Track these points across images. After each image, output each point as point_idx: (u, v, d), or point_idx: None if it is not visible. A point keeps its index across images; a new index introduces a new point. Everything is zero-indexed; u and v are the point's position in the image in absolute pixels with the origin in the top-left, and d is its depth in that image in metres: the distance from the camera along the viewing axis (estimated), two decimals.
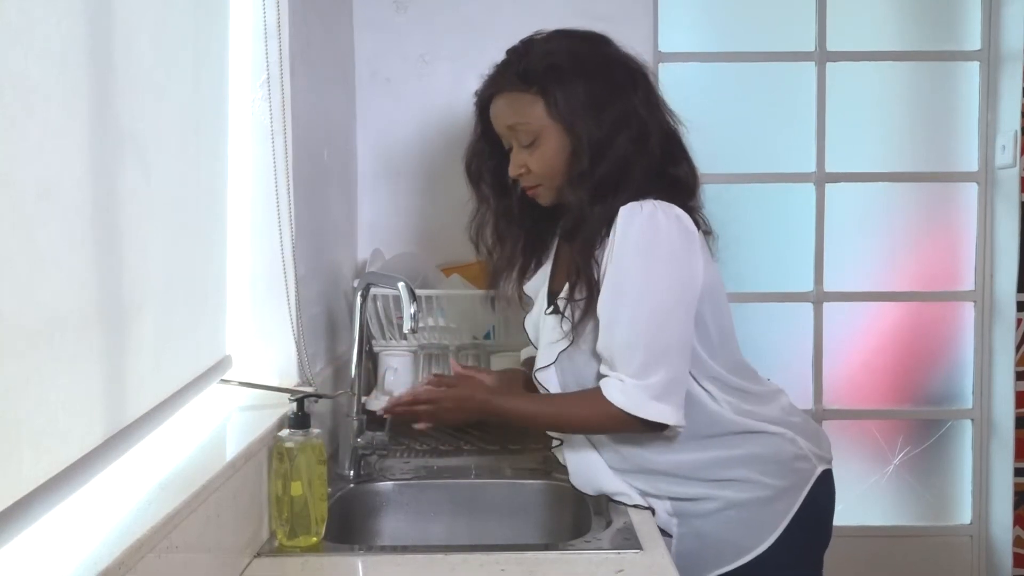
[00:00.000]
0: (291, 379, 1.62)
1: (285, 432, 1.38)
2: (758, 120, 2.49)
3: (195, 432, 1.32)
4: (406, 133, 2.34)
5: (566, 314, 1.49)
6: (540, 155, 1.48)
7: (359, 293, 1.74)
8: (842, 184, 2.48)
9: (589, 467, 1.54)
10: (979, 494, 2.52)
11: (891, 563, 2.51)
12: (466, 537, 1.70)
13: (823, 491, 1.54)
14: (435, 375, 1.65)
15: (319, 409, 1.60)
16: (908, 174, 2.49)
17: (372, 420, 1.79)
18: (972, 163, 2.48)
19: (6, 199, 0.78)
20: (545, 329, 1.56)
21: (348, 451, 1.72)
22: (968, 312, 2.52)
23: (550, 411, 1.53)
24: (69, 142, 0.91)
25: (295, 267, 1.58)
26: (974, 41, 2.46)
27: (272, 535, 1.38)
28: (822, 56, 2.45)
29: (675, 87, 2.40)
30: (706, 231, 1.51)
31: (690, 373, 1.46)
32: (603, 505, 1.53)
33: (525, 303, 1.69)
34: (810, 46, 2.45)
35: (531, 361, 1.74)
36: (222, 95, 1.49)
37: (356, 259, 2.30)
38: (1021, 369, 2.40)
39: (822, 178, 2.47)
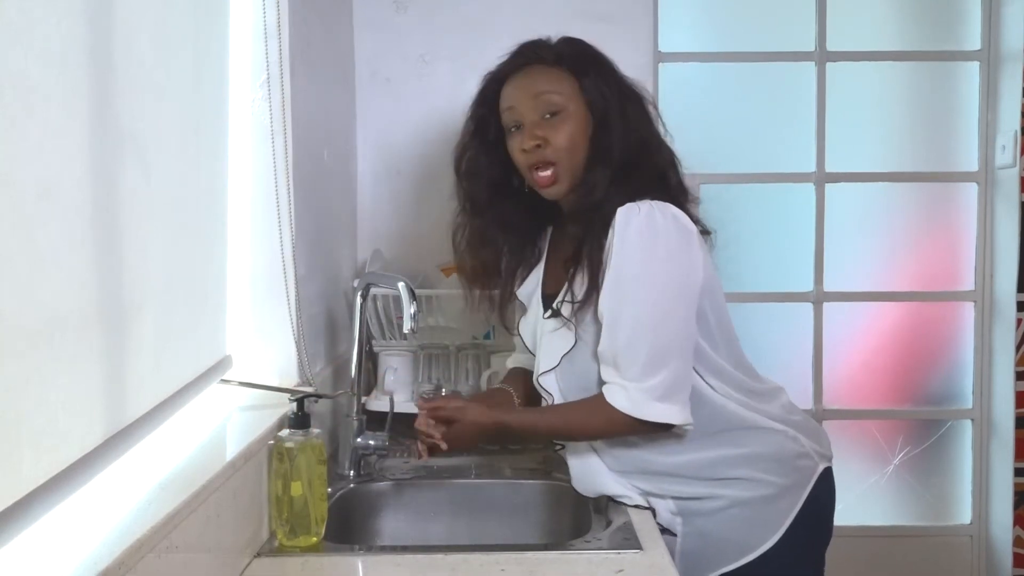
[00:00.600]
0: (291, 379, 1.62)
1: (285, 432, 1.38)
2: (758, 120, 2.49)
3: (195, 432, 1.32)
4: (406, 133, 2.34)
5: (565, 314, 1.48)
6: (564, 129, 1.47)
7: (359, 293, 1.74)
8: (842, 184, 2.48)
9: (590, 471, 1.53)
10: (979, 494, 2.52)
11: (891, 563, 2.51)
12: (466, 537, 1.70)
13: (825, 489, 1.54)
14: (429, 400, 1.59)
15: (319, 409, 1.60)
16: (908, 174, 2.49)
17: (372, 420, 1.79)
18: (972, 163, 2.48)
19: (6, 199, 0.78)
20: (545, 333, 1.55)
21: (348, 451, 1.73)
22: (968, 312, 2.52)
23: (557, 421, 1.52)
24: (69, 142, 0.91)
25: (295, 267, 1.58)
26: (974, 41, 2.46)
27: (272, 535, 1.38)
28: (822, 56, 2.45)
29: (675, 87, 2.43)
30: (703, 230, 1.51)
31: (695, 370, 1.46)
32: (603, 505, 1.53)
33: (511, 326, 1.70)
34: (810, 46, 2.45)
35: (518, 371, 1.74)
36: (222, 95, 1.49)
37: (356, 259, 2.30)
38: (1021, 369, 2.40)
39: (822, 178, 2.47)
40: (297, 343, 1.61)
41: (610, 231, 1.42)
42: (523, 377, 1.72)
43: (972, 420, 2.52)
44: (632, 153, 1.47)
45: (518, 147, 1.50)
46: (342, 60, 2.20)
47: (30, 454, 0.83)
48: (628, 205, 1.42)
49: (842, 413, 2.52)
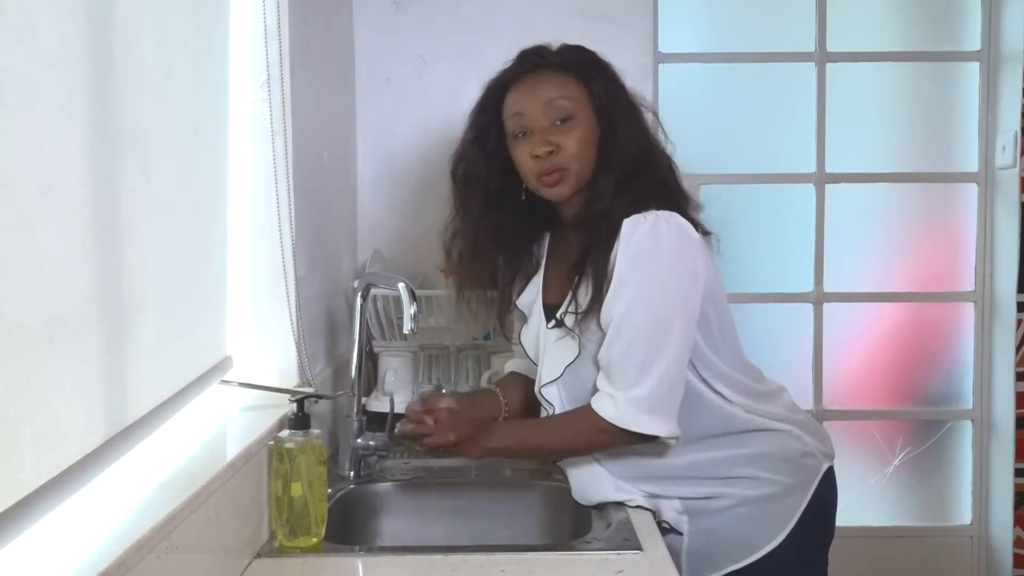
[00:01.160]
0: (291, 380, 1.62)
1: (285, 433, 1.38)
2: (758, 121, 2.49)
3: (195, 433, 1.32)
4: (406, 133, 2.34)
5: (569, 325, 1.48)
6: (575, 135, 1.46)
7: (359, 293, 1.74)
8: (842, 185, 2.48)
9: (594, 479, 1.52)
10: (979, 495, 2.52)
11: (891, 564, 2.51)
12: (466, 538, 1.70)
13: (828, 487, 1.55)
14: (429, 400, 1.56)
15: (319, 410, 1.60)
16: (908, 175, 2.49)
17: (372, 421, 1.79)
18: (972, 164, 2.48)
19: (6, 199, 0.78)
20: (549, 344, 1.54)
21: (348, 452, 1.72)
22: (968, 312, 2.52)
23: (546, 435, 1.52)
24: (69, 142, 0.91)
25: (295, 267, 1.58)
26: (974, 41, 2.46)
27: (272, 536, 1.38)
28: (822, 57, 2.45)
29: (675, 88, 2.43)
30: (704, 231, 1.51)
31: (700, 376, 1.47)
32: (603, 505, 1.53)
33: (508, 331, 1.69)
34: (810, 47, 2.45)
35: (515, 376, 1.74)
36: (222, 95, 1.49)
37: (356, 259, 2.30)
38: (1021, 370, 2.40)
39: (822, 179, 2.47)
40: (297, 344, 1.61)
41: (616, 242, 1.42)
42: (520, 382, 1.71)
43: (972, 421, 2.52)
44: (636, 160, 1.47)
45: (527, 153, 1.48)
46: (342, 60, 2.20)
47: (30, 454, 0.83)
48: (635, 216, 1.42)
49: (842, 414, 2.52)
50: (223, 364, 1.49)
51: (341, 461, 1.74)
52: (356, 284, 1.77)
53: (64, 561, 0.82)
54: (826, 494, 1.54)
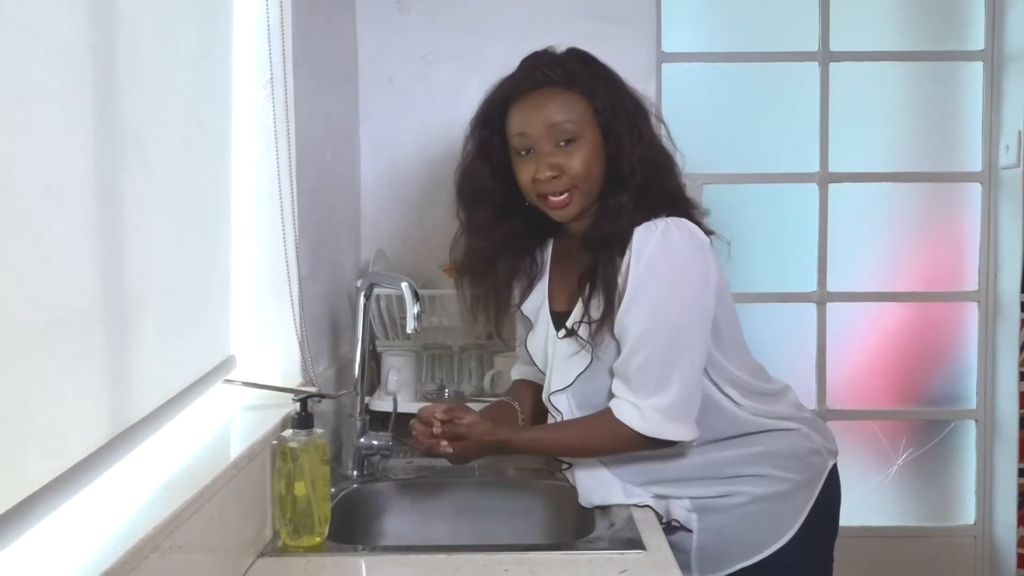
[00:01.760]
0: (294, 379, 1.62)
1: (289, 432, 1.38)
2: (761, 120, 2.49)
3: (199, 432, 1.32)
4: (409, 133, 2.34)
5: (582, 334, 1.47)
6: (580, 156, 1.44)
7: (362, 293, 1.74)
8: (845, 184, 2.48)
9: (601, 484, 1.52)
10: (983, 494, 2.51)
11: (895, 564, 2.51)
12: (469, 537, 1.70)
13: (833, 484, 1.57)
14: (448, 408, 1.52)
15: (322, 409, 1.60)
16: (912, 174, 2.49)
17: (375, 420, 1.79)
18: (976, 163, 2.48)
19: (9, 198, 0.78)
20: (559, 352, 1.53)
21: (351, 451, 1.72)
22: (972, 312, 2.51)
23: (562, 438, 1.51)
24: (72, 141, 0.91)
25: (298, 267, 1.58)
26: (978, 41, 2.45)
27: (275, 535, 1.38)
28: (825, 56, 2.45)
29: (678, 87, 2.43)
30: (710, 231, 1.51)
31: (711, 379, 1.47)
32: (606, 505, 1.52)
33: (508, 338, 1.69)
34: (813, 46, 2.45)
35: (524, 384, 1.73)
36: (225, 94, 1.49)
37: (359, 259, 2.30)
38: None
39: (825, 178, 2.47)
40: (300, 343, 1.61)
41: (627, 251, 1.42)
42: (529, 391, 1.71)
43: (976, 420, 2.52)
44: (647, 171, 1.46)
45: (529, 174, 1.47)
46: (345, 60, 2.20)
47: (34, 454, 0.83)
48: (645, 224, 1.42)
49: (846, 413, 2.52)
50: (226, 363, 1.49)
51: (344, 460, 1.74)
52: (359, 283, 1.77)
53: (68, 560, 0.82)
54: (832, 491, 1.56)
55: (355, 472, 1.72)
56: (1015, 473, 2.41)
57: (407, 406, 1.94)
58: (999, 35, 2.43)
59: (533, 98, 1.46)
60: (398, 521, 1.72)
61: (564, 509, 1.68)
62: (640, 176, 1.45)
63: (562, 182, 1.45)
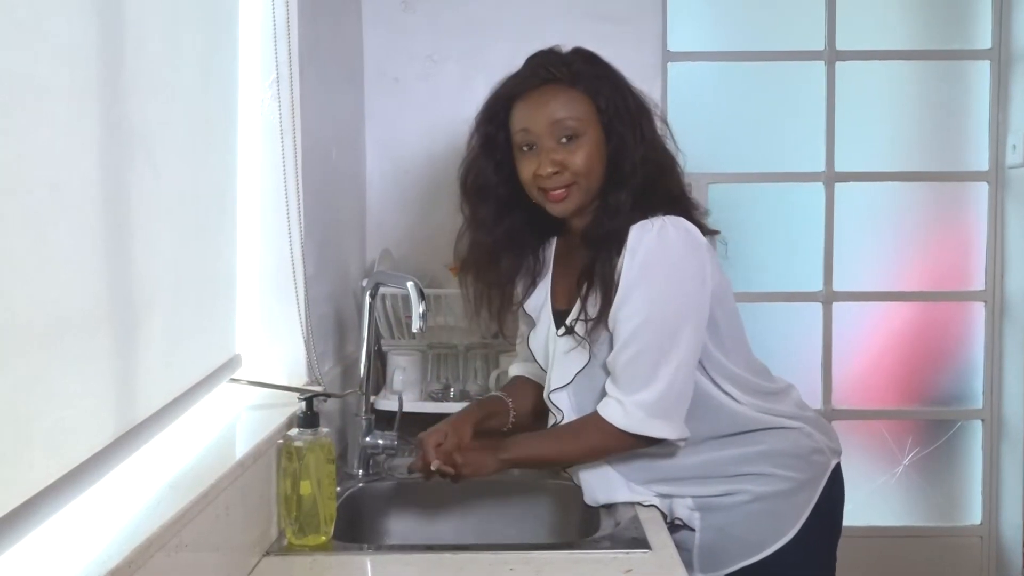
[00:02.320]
0: (300, 378, 1.62)
1: (294, 431, 1.38)
2: (767, 119, 2.49)
3: (204, 431, 1.32)
4: (414, 133, 2.34)
5: (580, 333, 1.48)
6: (582, 153, 1.45)
7: (368, 292, 1.74)
8: (851, 183, 2.47)
9: (605, 482, 1.52)
10: (989, 495, 2.51)
11: (901, 564, 2.50)
12: (474, 536, 1.70)
13: (836, 484, 1.57)
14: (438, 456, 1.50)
15: (328, 408, 1.60)
16: (918, 173, 2.49)
17: (381, 419, 1.80)
18: (982, 162, 2.47)
19: (16, 198, 0.78)
20: (558, 350, 1.54)
21: (357, 450, 1.73)
22: (978, 312, 2.51)
23: (556, 445, 1.51)
24: (79, 141, 0.91)
25: (304, 266, 1.59)
26: (985, 40, 2.45)
27: (281, 534, 1.38)
28: (831, 55, 2.44)
29: (684, 87, 2.42)
30: (711, 231, 1.51)
31: (709, 377, 1.48)
32: (611, 504, 1.52)
33: (510, 335, 1.69)
34: (819, 45, 2.45)
35: (522, 381, 1.73)
36: (231, 94, 1.50)
37: (365, 258, 2.30)
38: None
39: (831, 177, 2.47)
40: (306, 342, 1.61)
41: (624, 249, 1.42)
42: (528, 388, 1.70)
43: (982, 420, 2.51)
44: (649, 172, 1.46)
45: (531, 170, 1.47)
46: (350, 60, 2.21)
47: (40, 453, 0.83)
48: (641, 222, 1.43)
49: (851, 413, 2.52)
50: (232, 363, 1.49)
51: (350, 459, 1.74)
52: (365, 283, 1.77)
53: (74, 559, 0.82)
54: (835, 490, 1.56)
55: (360, 471, 1.72)
56: (1021, 473, 2.40)
57: (412, 405, 1.94)
58: (1006, 34, 2.42)
59: (537, 95, 1.47)
60: (403, 520, 1.73)
61: (569, 508, 1.68)
62: (641, 176, 1.46)
63: (563, 178, 1.46)
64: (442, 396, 2.05)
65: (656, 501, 1.51)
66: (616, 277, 1.43)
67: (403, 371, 2.07)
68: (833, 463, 1.56)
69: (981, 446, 2.52)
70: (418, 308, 1.60)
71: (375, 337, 2.00)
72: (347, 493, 1.65)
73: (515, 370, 1.77)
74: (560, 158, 1.45)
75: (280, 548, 1.35)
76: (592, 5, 2.29)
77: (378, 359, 2.12)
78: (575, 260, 1.53)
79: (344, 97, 2.11)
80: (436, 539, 1.69)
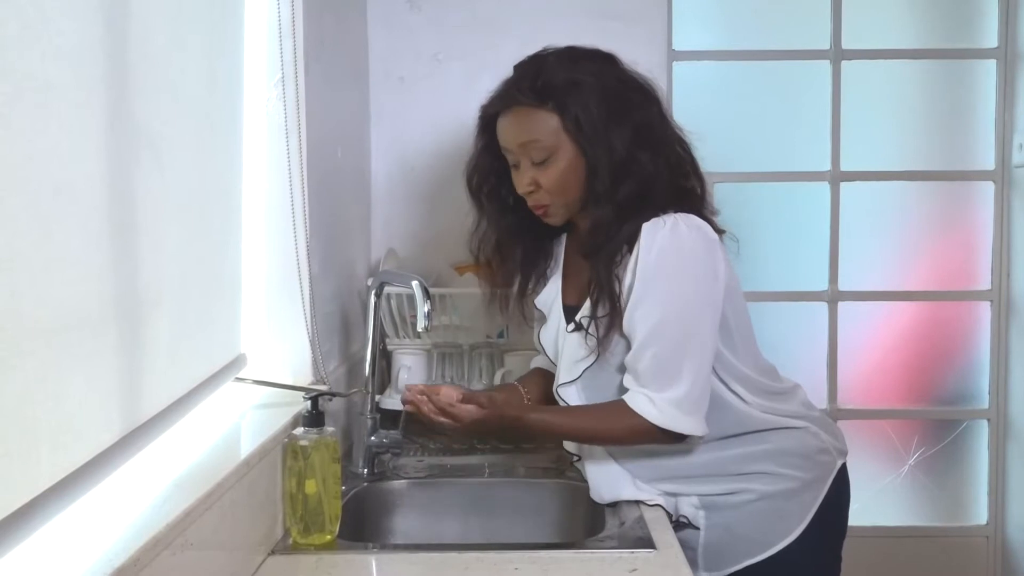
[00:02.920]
0: (305, 377, 1.62)
1: (299, 430, 1.38)
2: (773, 119, 2.49)
3: (210, 430, 1.32)
4: (420, 132, 2.34)
5: (590, 331, 1.48)
6: (553, 173, 1.46)
7: (373, 291, 1.75)
8: (857, 183, 2.47)
9: (612, 479, 1.53)
10: (995, 495, 2.50)
11: (906, 563, 2.50)
12: (479, 536, 1.70)
13: (842, 484, 1.57)
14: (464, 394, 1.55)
15: (333, 407, 1.60)
16: (924, 173, 2.48)
17: (386, 418, 1.80)
18: (989, 162, 2.47)
19: (23, 198, 0.78)
20: (568, 346, 1.54)
21: (362, 449, 1.73)
22: (984, 311, 2.50)
23: (576, 423, 1.52)
24: (85, 140, 0.92)
25: (309, 265, 1.59)
26: (991, 39, 2.44)
27: (286, 533, 1.38)
28: (837, 54, 2.44)
29: (689, 86, 2.42)
30: (720, 230, 1.51)
31: (718, 376, 1.48)
32: (617, 503, 1.53)
33: (529, 318, 1.69)
34: (825, 44, 2.44)
35: (539, 372, 1.74)
36: (237, 94, 1.50)
37: (370, 257, 2.30)
38: None
39: (837, 177, 2.46)
40: (311, 341, 1.61)
41: (636, 247, 1.43)
42: (542, 378, 1.72)
43: (988, 420, 2.51)
44: (636, 181, 1.44)
45: (516, 185, 1.51)
46: (356, 59, 2.21)
47: (46, 452, 0.83)
48: (654, 220, 1.43)
49: (857, 413, 2.51)
50: (237, 362, 1.49)
51: (355, 458, 1.74)
52: (370, 282, 1.78)
53: (80, 558, 0.82)
54: (840, 491, 1.56)
55: (365, 470, 1.72)
56: None
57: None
58: (1013, 33, 2.42)
59: (510, 116, 1.49)
60: (408, 519, 1.73)
61: (574, 507, 1.68)
62: (631, 182, 1.44)
63: (540, 196, 1.49)
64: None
65: (661, 500, 1.51)
66: (627, 275, 1.44)
67: (408, 370, 2.07)
68: (839, 463, 1.56)
69: (987, 446, 2.51)
70: (423, 307, 1.60)
71: (380, 336, 2.01)
72: (352, 492, 1.65)
73: (536, 362, 1.79)
74: (533, 178, 1.48)
75: (285, 547, 1.35)
76: (597, 4, 2.29)
77: (383, 358, 2.13)
78: (584, 258, 1.54)
79: (350, 96, 2.11)
80: (441, 538, 1.69)
